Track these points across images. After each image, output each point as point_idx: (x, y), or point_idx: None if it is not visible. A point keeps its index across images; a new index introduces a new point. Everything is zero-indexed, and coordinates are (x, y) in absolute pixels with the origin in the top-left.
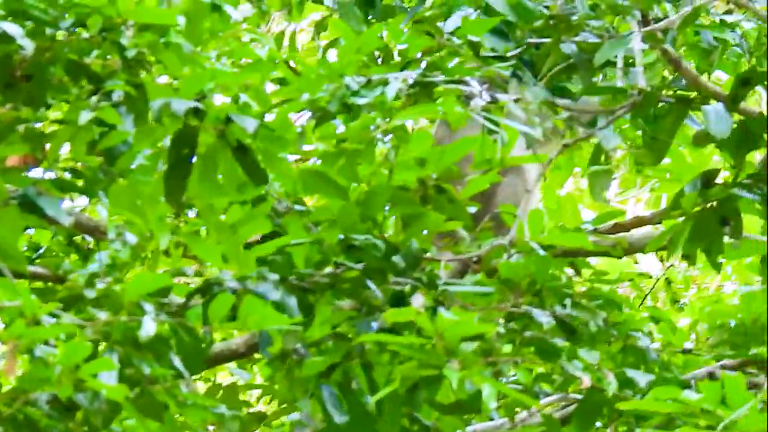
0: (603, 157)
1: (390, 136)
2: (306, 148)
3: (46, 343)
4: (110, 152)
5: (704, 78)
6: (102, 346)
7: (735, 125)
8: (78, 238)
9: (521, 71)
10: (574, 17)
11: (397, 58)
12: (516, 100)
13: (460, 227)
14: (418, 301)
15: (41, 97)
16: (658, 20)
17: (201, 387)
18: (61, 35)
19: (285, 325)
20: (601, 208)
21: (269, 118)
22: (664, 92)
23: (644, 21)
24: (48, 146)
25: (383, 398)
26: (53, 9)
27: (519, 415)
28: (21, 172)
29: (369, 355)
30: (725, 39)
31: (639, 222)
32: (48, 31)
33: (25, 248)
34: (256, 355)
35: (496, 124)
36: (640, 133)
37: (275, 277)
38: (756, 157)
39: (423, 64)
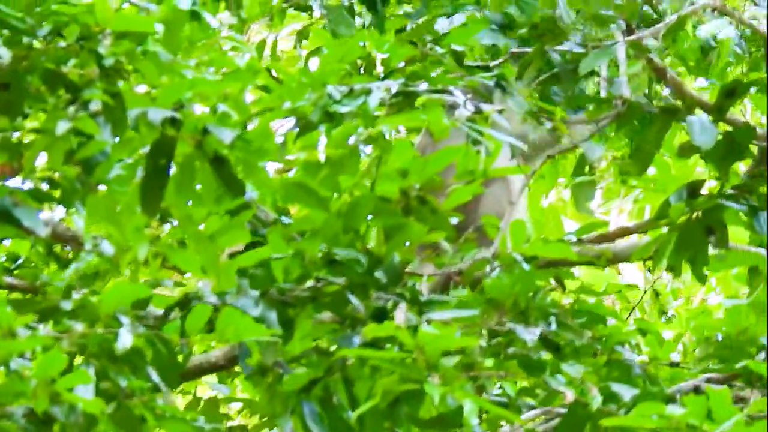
0: (587, 168)
1: (371, 146)
2: (290, 157)
3: (22, 355)
4: (87, 162)
5: (689, 87)
6: (78, 359)
7: (720, 136)
8: (57, 248)
9: (505, 80)
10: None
11: (380, 68)
12: (500, 111)
13: (443, 239)
14: (401, 316)
15: (18, 107)
16: (649, 22)
17: (180, 401)
18: (38, 44)
19: (264, 336)
20: (585, 219)
21: (252, 127)
22: (650, 102)
23: (629, 30)
24: (25, 156)
25: (364, 413)
26: (30, 17)
27: (502, 430)
28: None
29: (350, 370)
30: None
31: (623, 232)
32: (25, 39)
33: (3, 258)
34: (237, 368)
35: (481, 134)
36: (624, 143)
37: (255, 293)
38: (741, 167)
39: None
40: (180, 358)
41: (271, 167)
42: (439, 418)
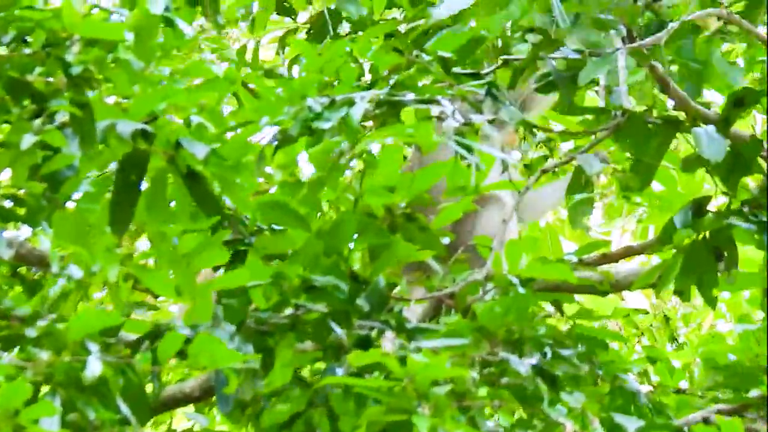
0: (584, 183)
1: (355, 161)
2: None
3: None
4: (54, 178)
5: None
6: (44, 389)
7: (727, 149)
8: (23, 270)
9: (497, 89)
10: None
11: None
12: (491, 121)
13: (433, 259)
14: (389, 345)
15: None
16: (648, 31)
17: None
18: (1, 51)
19: (241, 364)
20: (584, 239)
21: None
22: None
23: (629, 37)
24: None
25: None
26: None
27: None
28: None
29: (334, 402)
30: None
31: (627, 253)
32: None
33: None
34: (214, 399)
35: (470, 149)
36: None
37: (231, 328)
38: (750, 182)
39: (391, 82)
40: (152, 388)
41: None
42: None
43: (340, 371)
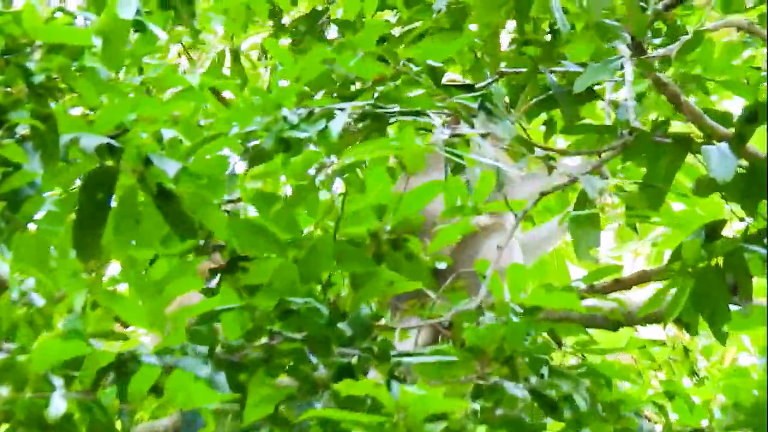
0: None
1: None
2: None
3: None
4: (14, 196)
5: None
6: (3, 428)
7: (743, 169)
8: None
9: (491, 102)
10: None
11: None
12: (484, 135)
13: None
14: (376, 374)
15: None
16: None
17: None
18: None
19: (217, 403)
20: (594, 264)
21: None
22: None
23: (638, 48)
24: None
25: None
26: None
27: None
28: None
29: None
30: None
31: (641, 278)
32: None
33: None
34: None
35: (461, 160)
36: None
37: (203, 350)
38: None
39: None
40: (121, 426)
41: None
42: None
43: (318, 405)
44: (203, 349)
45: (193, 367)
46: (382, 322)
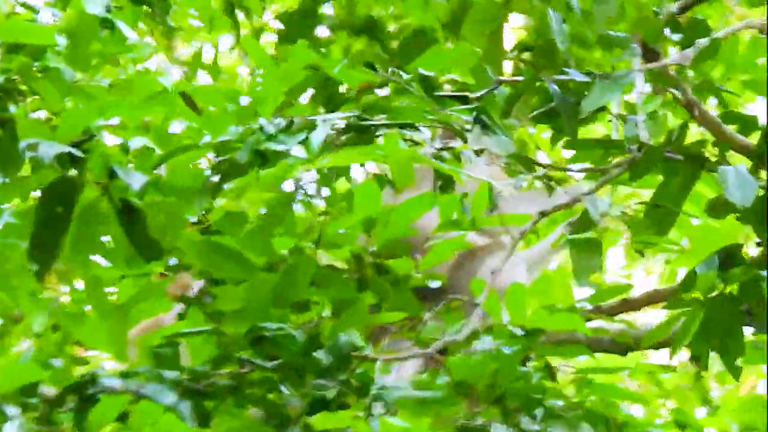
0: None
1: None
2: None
3: None
4: None
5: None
6: None
7: (762, 190)
8: None
9: (487, 115)
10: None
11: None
12: (478, 152)
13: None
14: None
15: None
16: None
17: None
18: None
19: None
20: (601, 283)
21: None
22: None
23: (649, 55)
24: None
25: None
26: None
27: None
28: None
29: None
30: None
31: (652, 298)
32: None
33: None
34: None
35: (451, 180)
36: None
37: (172, 374)
38: None
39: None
40: None
41: None
42: None
43: None
44: (169, 373)
45: (158, 393)
46: (367, 351)
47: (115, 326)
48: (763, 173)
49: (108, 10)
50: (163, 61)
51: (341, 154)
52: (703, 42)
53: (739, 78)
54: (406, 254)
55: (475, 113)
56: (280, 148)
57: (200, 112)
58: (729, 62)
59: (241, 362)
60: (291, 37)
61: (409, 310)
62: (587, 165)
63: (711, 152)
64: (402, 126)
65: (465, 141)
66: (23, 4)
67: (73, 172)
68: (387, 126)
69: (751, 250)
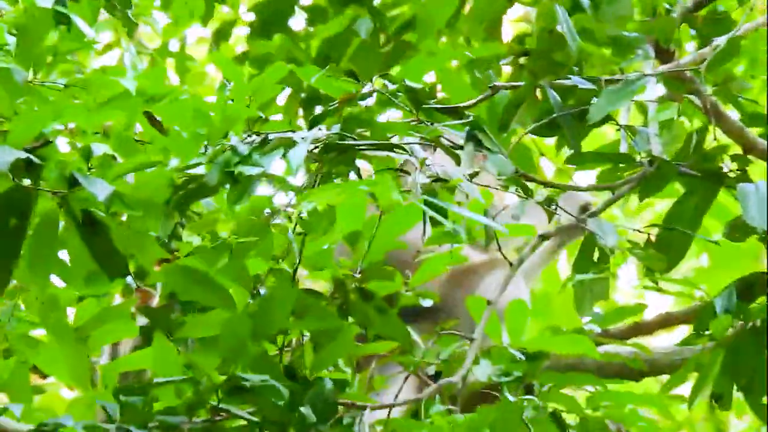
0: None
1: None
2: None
3: None
4: None
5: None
6: None
7: None
8: None
9: (481, 130)
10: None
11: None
12: (472, 175)
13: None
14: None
15: None
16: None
17: None
18: None
19: None
20: (610, 303)
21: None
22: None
23: (663, 56)
24: None
25: None
26: None
27: None
28: None
29: None
30: None
31: (666, 321)
32: None
33: None
34: None
35: (444, 212)
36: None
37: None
38: None
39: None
40: None
41: None
42: None
43: None
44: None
45: None
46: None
47: (75, 352)
48: None
49: (62, 3)
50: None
51: (322, 192)
52: (721, 41)
53: (763, 77)
54: (393, 274)
55: (467, 129)
56: (253, 171)
57: (165, 131)
58: (753, 58)
59: (216, 410)
60: (265, 29)
61: (397, 338)
62: (594, 174)
63: (729, 165)
64: (388, 147)
65: (456, 159)
66: None
67: (27, 182)
68: (372, 147)
69: None
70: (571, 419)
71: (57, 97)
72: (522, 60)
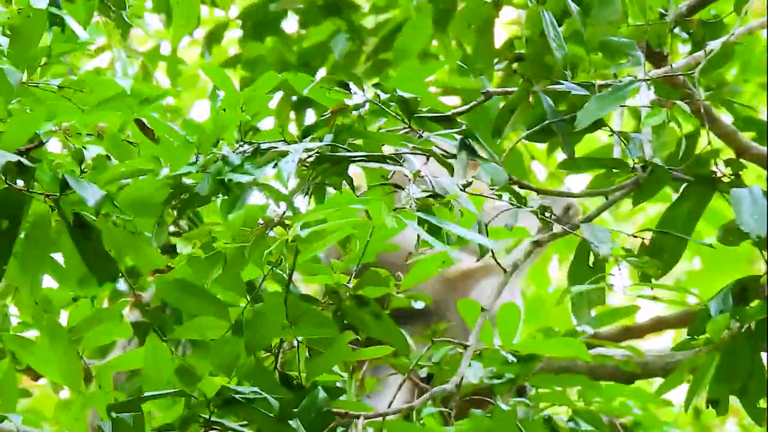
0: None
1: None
2: None
3: None
4: None
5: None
6: None
7: None
8: None
9: (474, 138)
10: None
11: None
12: (465, 185)
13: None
14: None
15: None
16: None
17: None
18: None
19: None
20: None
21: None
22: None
23: (656, 60)
24: None
25: None
26: None
27: None
28: None
29: None
30: None
31: (658, 325)
32: None
33: None
34: None
35: (437, 230)
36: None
37: None
38: None
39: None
40: None
41: None
42: None
43: None
44: None
45: None
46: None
47: (68, 352)
48: None
49: (56, 5)
50: (120, 55)
51: (315, 211)
52: (714, 45)
53: (757, 80)
54: (387, 280)
55: (460, 138)
56: (245, 179)
57: (157, 140)
58: (745, 62)
59: (209, 424)
60: (257, 32)
61: (393, 343)
62: (585, 177)
63: (723, 170)
64: (380, 159)
65: (449, 168)
66: None
67: (20, 184)
68: (365, 159)
69: None
70: (563, 415)
71: (51, 98)
72: (515, 65)
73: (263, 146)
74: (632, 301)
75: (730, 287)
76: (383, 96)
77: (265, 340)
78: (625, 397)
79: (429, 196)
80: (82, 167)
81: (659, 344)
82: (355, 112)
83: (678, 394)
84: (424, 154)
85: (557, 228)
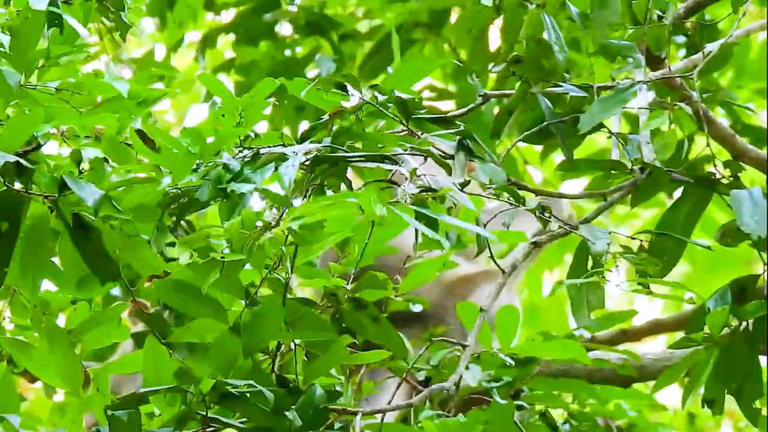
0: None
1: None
2: None
3: None
4: None
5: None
6: None
7: None
8: None
9: (472, 139)
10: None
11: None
12: (463, 184)
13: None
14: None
15: None
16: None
17: None
18: None
19: None
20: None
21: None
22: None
23: (654, 63)
24: None
25: None
26: None
27: None
28: None
29: None
30: None
31: (655, 328)
32: None
33: None
34: None
35: (435, 224)
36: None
37: None
38: None
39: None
40: None
41: None
42: None
43: None
44: None
45: None
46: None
47: (67, 355)
48: None
49: (55, 5)
50: (111, 63)
51: (312, 206)
52: (711, 48)
53: (751, 86)
54: (386, 283)
55: (458, 138)
56: (245, 189)
57: (158, 149)
58: (740, 68)
59: (206, 421)
60: (251, 36)
61: (391, 347)
62: (581, 182)
63: (722, 171)
64: (378, 158)
65: (447, 169)
66: None
67: (18, 185)
68: (363, 159)
69: None
70: (559, 419)
71: (49, 100)
72: (512, 68)
73: (262, 151)
74: (629, 298)
75: (729, 286)
76: (381, 98)
77: (263, 343)
78: (619, 400)
79: (424, 191)
80: (80, 169)
81: (656, 347)
82: (352, 115)
83: (673, 399)
84: (422, 155)
85: (556, 228)
